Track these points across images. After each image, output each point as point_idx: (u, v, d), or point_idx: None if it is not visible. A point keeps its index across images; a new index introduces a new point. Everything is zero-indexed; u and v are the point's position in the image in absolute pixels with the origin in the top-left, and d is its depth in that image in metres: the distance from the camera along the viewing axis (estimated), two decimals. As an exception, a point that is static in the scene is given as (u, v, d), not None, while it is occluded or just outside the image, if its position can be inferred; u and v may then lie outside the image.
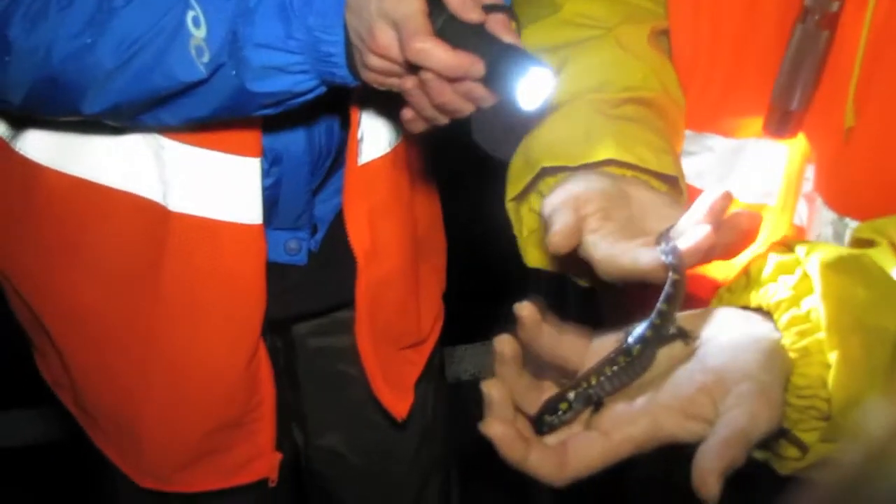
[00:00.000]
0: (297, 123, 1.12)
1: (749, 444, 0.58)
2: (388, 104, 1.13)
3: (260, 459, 1.20)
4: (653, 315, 0.66)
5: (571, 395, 0.64)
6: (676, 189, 0.83)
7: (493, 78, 0.83)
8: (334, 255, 1.27)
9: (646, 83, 0.89)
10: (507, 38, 0.83)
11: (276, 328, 1.29)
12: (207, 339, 1.13)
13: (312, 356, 1.36)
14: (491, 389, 0.63)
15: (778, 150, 0.89)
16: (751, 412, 0.59)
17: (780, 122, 0.86)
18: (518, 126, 0.93)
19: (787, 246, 0.69)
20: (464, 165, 1.17)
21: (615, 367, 0.65)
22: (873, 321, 0.63)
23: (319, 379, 1.37)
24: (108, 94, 0.95)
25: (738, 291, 0.69)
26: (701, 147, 0.94)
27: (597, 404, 0.65)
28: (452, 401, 1.25)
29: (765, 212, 0.90)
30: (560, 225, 0.73)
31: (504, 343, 0.66)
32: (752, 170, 0.91)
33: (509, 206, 0.91)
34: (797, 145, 0.88)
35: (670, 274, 0.67)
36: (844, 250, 0.69)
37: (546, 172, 0.85)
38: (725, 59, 0.90)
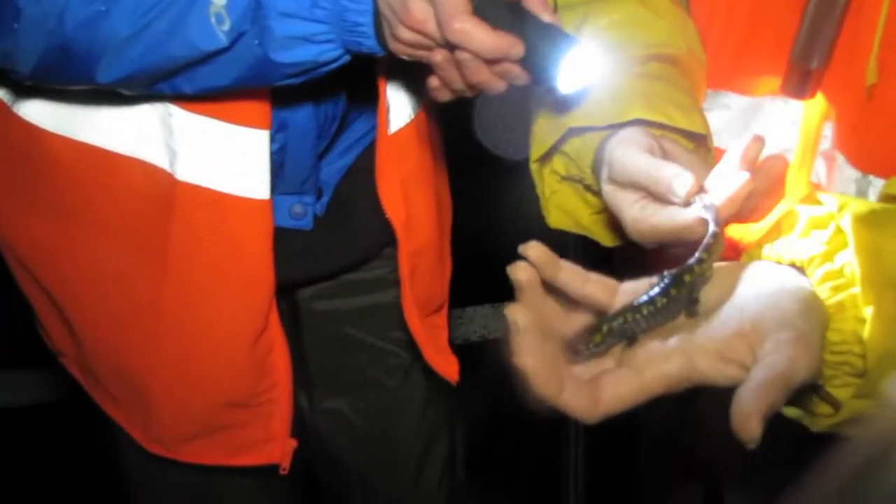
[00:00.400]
0: (303, 89, 1.09)
1: (788, 389, 0.59)
2: (409, 71, 1.12)
3: (272, 443, 1.19)
4: (693, 260, 0.66)
5: (605, 327, 0.64)
6: (704, 147, 0.83)
7: (531, 59, 0.81)
8: (339, 219, 1.28)
9: (670, 41, 0.88)
10: (546, 16, 0.82)
11: (281, 293, 1.29)
12: (213, 313, 1.12)
13: (318, 319, 1.36)
14: (516, 314, 0.61)
15: (795, 108, 0.89)
16: (790, 358, 0.59)
17: (800, 82, 0.85)
18: (519, 124, 0.92)
19: (817, 201, 0.69)
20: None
21: (652, 307, 0.65)
22: None
23: (325, 342, 1.38)
24: (123, 62, 0.93)
25: (769, 246, 0.69)
26: (717, 105, 0.94)
27: (630, 339, 0.65)
28: (461, 361, 1.26)
29: None
30: (684, 174, 0.70)
31: (517, 270, 0.64)
32: (769, 127, 0.90)
33: (533, 167, 0.90)
34: (815, 103, 0.88)
35: (710, 226, 0.68)
36: (877, 205, 0.69)
37: (572, 133, 0.85)
38: (742, 17, 0.89)
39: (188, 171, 1.05)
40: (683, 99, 0.83)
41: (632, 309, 0.65)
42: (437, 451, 1.46)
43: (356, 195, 1.27)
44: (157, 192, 1.07)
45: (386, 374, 1.41)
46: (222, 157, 1.04)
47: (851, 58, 0.83)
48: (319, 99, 1.13)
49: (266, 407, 1.17)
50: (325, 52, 0.91)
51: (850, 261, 0.64)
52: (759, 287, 0.65)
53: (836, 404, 0.65)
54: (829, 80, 0.86)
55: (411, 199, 1.17)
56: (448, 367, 1.26)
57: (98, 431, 1.29)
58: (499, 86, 0.86)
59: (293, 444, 1.21)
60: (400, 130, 1.13)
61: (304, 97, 1.11)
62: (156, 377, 1.15)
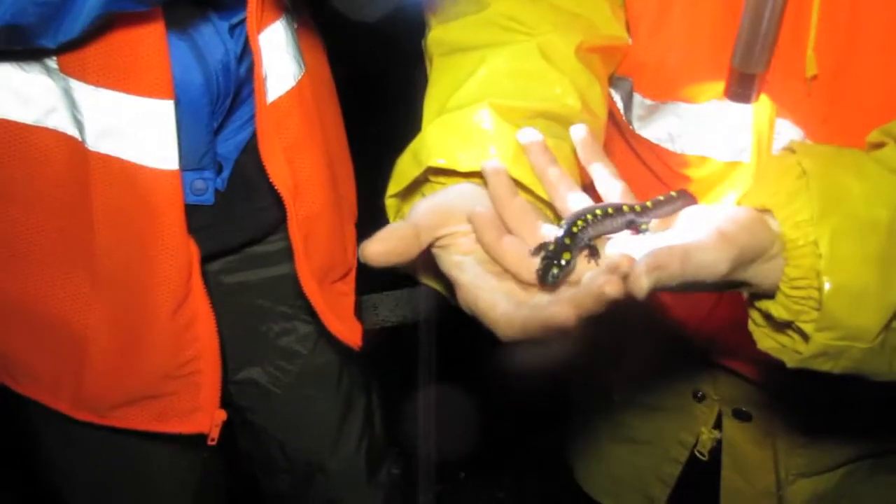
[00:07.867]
0: (192, 64, 1.09)
1: (686, 267, 0.62)
2: (288, 40, 1.13)
3: (200, 413, 1.18)
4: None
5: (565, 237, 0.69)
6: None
7: None
8: (241, 193, 1.26)
9: (563, 98, 0.86)
10: None
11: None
12: (137, 280, 1.11)
13: (227, 293, 1.34)
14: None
15: (744, 108, 0.91)
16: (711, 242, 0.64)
17: (743, 87, 0.88)
18: None
19: (788, 149, 0.72)
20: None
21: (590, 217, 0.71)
22: (866, 212, 0.68)
23: (236, 315, 1.36)
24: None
25: (732, 192, 0.76)
26: (667, 114, 0.95)
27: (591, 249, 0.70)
28: (383, 345, 1.26)
29: (740, 168, 0.93)
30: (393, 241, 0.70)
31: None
32: (722, 129, 0.92)
33: (389, 202, 0.86)
34: (763, 103, 0.90)
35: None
36: (840, 147, 0.73)
37: (434, 177, 0.82)
38: (679, 29, 0.91)
39: (97, 142, 1.03)
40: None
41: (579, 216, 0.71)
42: (355, 414, 1.48)
43: (255, 169, 1.23)
44: (72, 161, 1.05)
45: (298, 341, 1.41)
46: (128, 128, 1.03)
47: (790, 55, 0.85)
48: (210, 74, 1.11)
49: (194, 377, 1.17)
50: None
51: (812, 199, 0.67)
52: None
53: (805, 336, 0.69)
54: (770, 80, 0.88)
55: (298, 166, 1.16)
56: (350, 334, 1.26)
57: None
58: None
59: (223, 415, 1.20)
60: (280, 98, 1.13)
61: (194, 73, 1.09)
62: (91, 342, 1.14)
